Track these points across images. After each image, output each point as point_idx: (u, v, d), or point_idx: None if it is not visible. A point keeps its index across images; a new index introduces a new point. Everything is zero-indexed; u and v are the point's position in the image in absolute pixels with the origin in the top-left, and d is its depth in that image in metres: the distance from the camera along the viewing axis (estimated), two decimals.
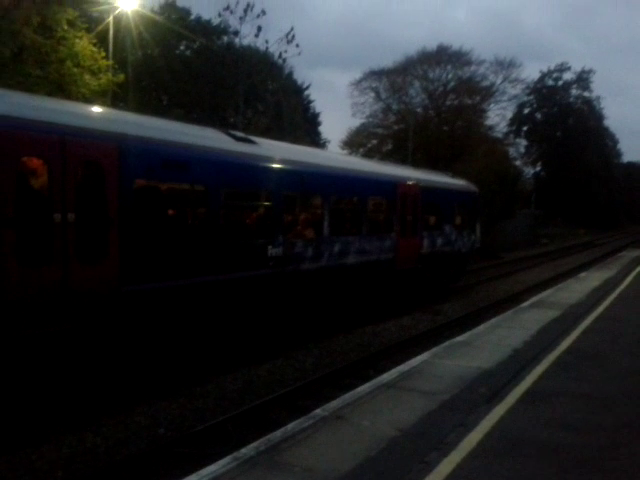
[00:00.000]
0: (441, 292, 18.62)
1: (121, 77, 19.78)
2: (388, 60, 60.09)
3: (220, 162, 9.89)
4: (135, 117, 9.78)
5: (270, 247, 10.91)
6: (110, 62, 19.47)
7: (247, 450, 5.32)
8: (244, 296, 10.42)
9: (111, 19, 20.34)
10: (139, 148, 8.31)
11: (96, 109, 9.51)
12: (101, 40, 19.70)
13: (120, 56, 24.58)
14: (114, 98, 20.59)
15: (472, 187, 21.42)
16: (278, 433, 5.77)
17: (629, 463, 5.29)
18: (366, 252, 14.08)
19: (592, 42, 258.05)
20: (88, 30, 19.00)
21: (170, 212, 9.35)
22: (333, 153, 18.63)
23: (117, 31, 23.19)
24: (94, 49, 18.28)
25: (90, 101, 16.41)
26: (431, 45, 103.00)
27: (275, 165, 11.31)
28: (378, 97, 61.54)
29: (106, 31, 20.33)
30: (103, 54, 18.81)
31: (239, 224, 10.67)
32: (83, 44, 17.83)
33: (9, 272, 6.69)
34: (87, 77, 17.77)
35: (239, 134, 11.61)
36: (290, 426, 5.98)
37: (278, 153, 11.87)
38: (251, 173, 10.69)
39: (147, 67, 31.39)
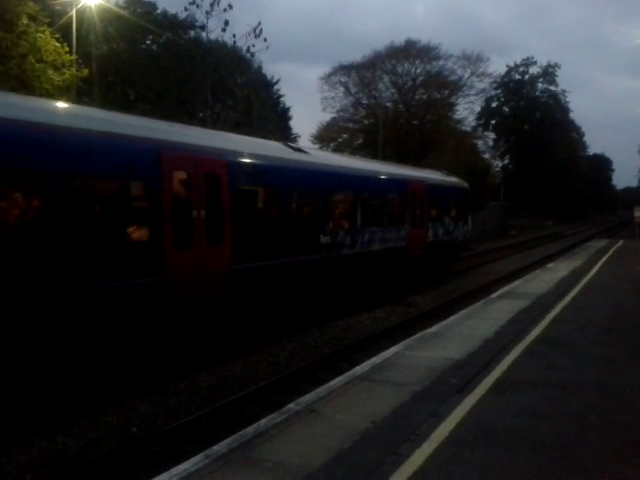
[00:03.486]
0: (441, 275, 21.21)
1: (85, 72, 19.40)
2: (350, 54, 60.82)
3: (286, 168, 12.35)
4: (232, 136, 12.74)
5: (322, 236, 13.37)
6: (74, 57, 19.08)
7: (219, 447, 5.28)
8: (303, 275, 12.78)
9: (74, 13, 19.93)
10: (239, 160, 10.81)
11: (209, 131, 12.26)
12: (64, 35, 19.28)
13: (84, 51, 24.10)
14: (78, 93, 20.21)
15: (464, 183, 24.08)
16: (251, 429, 5.73)
17: (597, 448, 5.39)
18: (386, 240, 16.51)
19: (549, 37, 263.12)
20: (50, 24, 18.56)
21: (257, 209, 11.71)
22: (358, 158, 21.44)
23: (81, 25, 22.74)
24: (57, 44, 17.89)
25: (53, 97, 16.06)
26: (393, 39, 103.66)
27: (322, 170, 13.86)
28: (348, 91, 61.74)
29: (69, 25, 19.90)
30: (66, 49, 18.41)
31: (301, 217, 13.06)
32: (45, 39, 17.44)
33: (167, 254, 8.93)
34: (50, 72, 17.40)
35: (295, 145, 14.52)
36: (263, 422, 5.94)
37: (323, 160, 14.70)
38: (307, 177, 13.13)
39: (112, 62, 30.87)
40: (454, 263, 23.24)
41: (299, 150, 13.85)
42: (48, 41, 17.33)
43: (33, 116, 7.44)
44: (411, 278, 18.67)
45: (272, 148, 12.98)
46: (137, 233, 8.68)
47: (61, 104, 9.22)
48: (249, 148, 11.54)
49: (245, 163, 10.94)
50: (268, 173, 11.58)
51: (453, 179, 23.44)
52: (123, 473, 6.18)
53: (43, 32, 17.33)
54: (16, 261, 7.05)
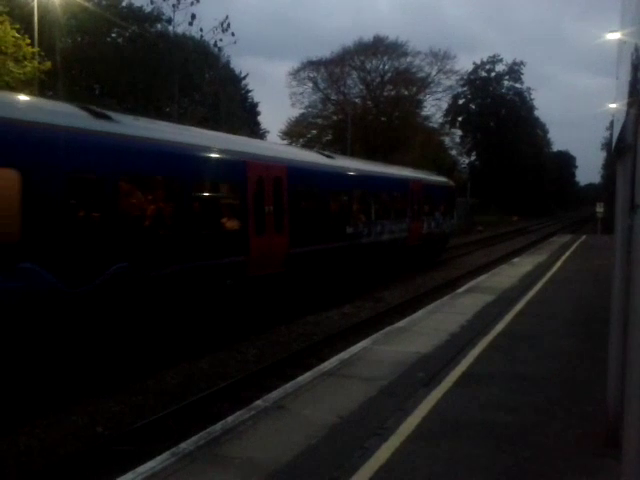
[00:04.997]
0: (430, 263, 24.11)
1: (48, 65, 18.93)
2: (315, 49, 60.67)
3: (322, 172, 15.37)
4: (286, 146, 17.70)
5: (347, 227, 16.21)
6: (36, 49, 18.61)
7: (186, 445, 5.23)
8: (334, 259, 15.52)
9: (35, 3, 19.42)
10: (293, 167, 13.67)
11: (273, 142, 17.17)
12: (26, 26, 18.79)
13: (47, 43, 23.52)
14: (42, 87, 19.73)
15: (451, 182, 27.93)
16: (218, 426, 5.70)
17: (560, 438, 5.51)
18: (392, 232, 19.49)
19: (513, 35, 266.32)
20: (10, 15, 18.06)
21: (303, 205, 14.24)
22: (368, 161, 24.05)
23: (43, 17, 22.18)
24: (17, 35, 17.39)
25: (14, 90, 15.65)
26: (356, 35, 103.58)
27: (345, 172, 16.97)
28: (316, 87, 61.69)
29: (30, 16, 19.41)
30: (28, 41, 17.93)
31: (332, 212, 15.69)
32: (5, 29, 16.94)
33: (251, 239, 11.76)
34: (11, 65, 16.93)
35: (325, 152, 18.69)
36: (230, 419, 5.92)
37: (347, 164, 18.04)
38: (335, 178, 16.14)
39: (77, 55, 30.24)
40: (442, 252, 26.39)
41: (328, 156, 17.25)
42: (8, 32, 16.81)
43: (183, 139, 10.50)
44: (410, 264, 21.65)
45: (311, 155, 16.80)
46: (234, 223, 11.52)
47: (192, 128, 12.71)
48: (298, 156, 15.15)
49: (297, 168, 13.86)
50: (310, 176, 14.57)
51: (442, 178, 27.09)
52: (88, 473, 6.08)
53: (2, 22, 16.83)
54: (163, 244, 9.61)
